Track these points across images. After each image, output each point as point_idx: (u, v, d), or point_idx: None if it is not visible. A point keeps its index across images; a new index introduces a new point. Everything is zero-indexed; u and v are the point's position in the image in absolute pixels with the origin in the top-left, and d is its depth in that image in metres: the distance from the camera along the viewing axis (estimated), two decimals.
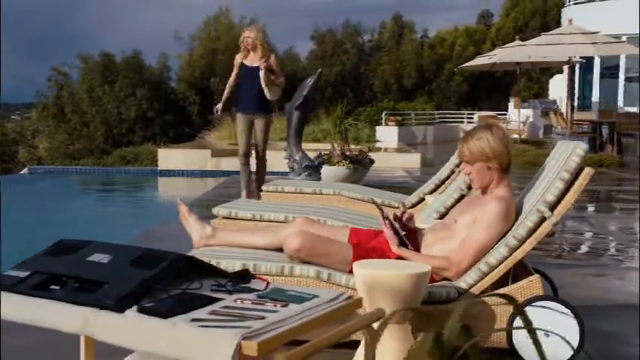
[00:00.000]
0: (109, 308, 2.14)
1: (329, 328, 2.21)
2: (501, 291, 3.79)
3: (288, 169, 10.41)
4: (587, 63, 22.30)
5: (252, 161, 9.20)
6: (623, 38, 19.44)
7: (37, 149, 36.61)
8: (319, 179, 10.06)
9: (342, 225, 4.93)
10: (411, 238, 3.99)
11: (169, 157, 15.98)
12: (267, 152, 9.30)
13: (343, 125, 11.61)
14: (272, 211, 5.65)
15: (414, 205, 6.83)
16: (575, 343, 3.69)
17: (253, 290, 2.37)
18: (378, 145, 18.80)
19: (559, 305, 3.72)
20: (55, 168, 21.13)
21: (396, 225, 3.96)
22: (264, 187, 7.62)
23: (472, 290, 3.80)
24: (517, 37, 20.04)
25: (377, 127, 22.38)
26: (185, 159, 15.78)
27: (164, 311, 2.11)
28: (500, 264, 3.78)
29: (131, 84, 36.11)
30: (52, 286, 2.30)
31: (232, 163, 14.81)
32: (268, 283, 2.42)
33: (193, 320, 2.08)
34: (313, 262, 3.88)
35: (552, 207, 3.77)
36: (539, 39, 17.24)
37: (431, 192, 6.98)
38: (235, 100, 9.07)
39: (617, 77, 22.48)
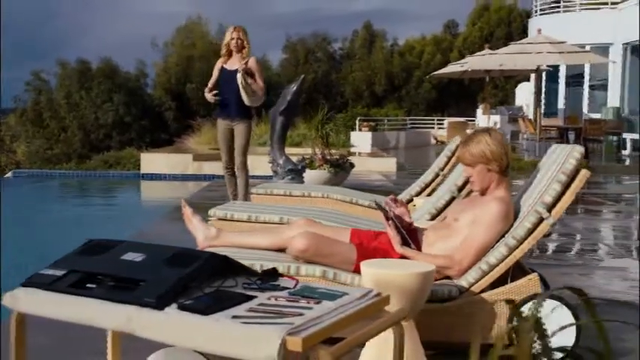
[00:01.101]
0: (149, 306, 2.12)
1: (357, 325, 2.21)
2: (501, 289, 3.82)
3: (268, 173, 10.42)
4: (553, 71, 22.54)
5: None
6: (587, 48, 19.65)
7: (15, 154, 36.21)
8: (302, 182, 10.07)
9: (335, 226, 4.93)
10: (412, 237, 4.01)
11: (152, 161, 15.89)
12: (248, 156, 8.81)
13: (324, 130, 11.63)
14: (267, 213, 5.64)
15: None
16: (573, 337, 3.73)
17: (284, 288, 2.36)
18: (352, 149, 18.84)
19: (556, 302, 3.75)
20: (39, 172, 20.86)
21: (400, 225, 3.98)
22: (253, 190, 7.60)
23: (472, 289, 3.82)
24: (486, 45, 20.22)
25: (351, 133, 22.44)
26: (167, 163, 15.71)
27: (204, 308, 2.09)
28: (500, 263, 3.80)
29: (108, 90, 36.03)
30: (89, 285, 2.27)
31: (214, 167, 14.77)
32: (297, 281, 2.42)
33: (234, 317, 2.07)
34: (318, 262, 3.88)
35: (549, 208, 3.80)
36: (509, 48, 17.41)
37: (417, 194, 7.03)
38: (216, 106, 8.50)
39: (582, 85, 22.76)
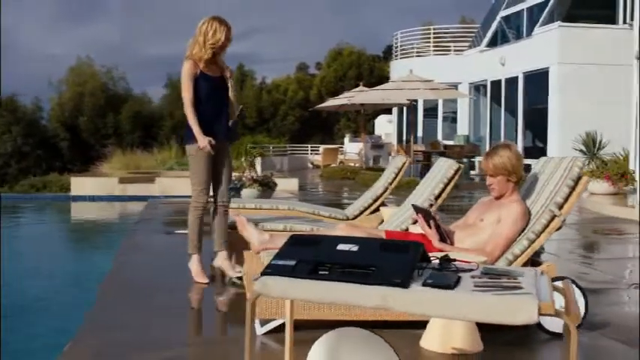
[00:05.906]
0: (397, 285, 2.17)
1: None
2: None
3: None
4: (413, 104, 23.43)
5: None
6: (443, 86, 20.62)
7: None
8: (240, 198, 10.08)
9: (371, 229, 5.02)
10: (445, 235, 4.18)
11: (81, 184, 15.27)
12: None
13: (251, 156, 11.73)
14: (270, 222, 5.73)
15: (355, 217, 7.08)
16: (583, 312, 4.03)
17: (469, 270, 2.45)
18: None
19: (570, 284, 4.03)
20: None
21: (439, 225, 4.15)
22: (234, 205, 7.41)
23: None
24: (361, 83, 20.79)
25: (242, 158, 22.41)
26: (95, 185, 15.13)
27: (448, 284, 2.17)
28: (522, 254, 4.04)
29: (7, 122, 34.41)
30: (321, 272, 2.29)
31: (137, 189, 14.54)
32: (477, 264, 2.51)
33: (474, 291, 2.16)
34: None
35: (560, 207, 4.08)
36: (386, 85, 18.02)
37: (369, 206, 7.22)
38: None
39: (436, 117, 23.83)
